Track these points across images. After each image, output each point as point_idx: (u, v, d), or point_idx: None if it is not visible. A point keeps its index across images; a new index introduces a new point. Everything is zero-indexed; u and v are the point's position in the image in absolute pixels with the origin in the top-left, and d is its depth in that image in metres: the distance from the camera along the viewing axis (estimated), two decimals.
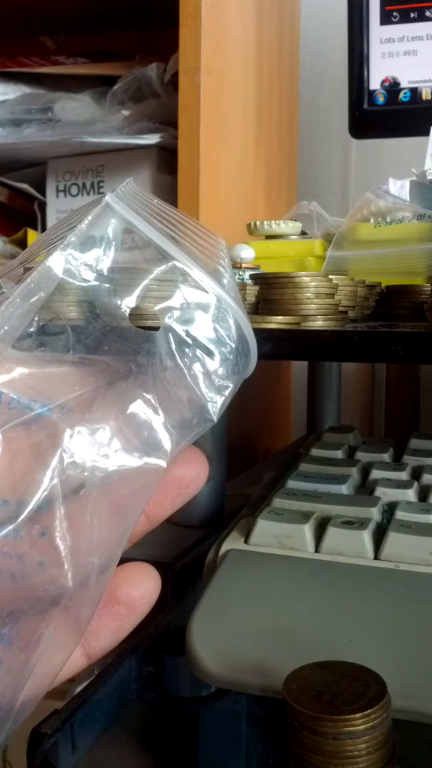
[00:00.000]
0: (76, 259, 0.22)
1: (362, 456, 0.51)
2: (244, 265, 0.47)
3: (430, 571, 0.38)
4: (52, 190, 0.77)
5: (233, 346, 0.24)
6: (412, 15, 0.67)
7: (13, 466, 0.20)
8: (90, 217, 0.23)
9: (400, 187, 0.58)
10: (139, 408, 0.22)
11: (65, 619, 0.21)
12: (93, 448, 0.21)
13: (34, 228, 0.78)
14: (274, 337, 0.35)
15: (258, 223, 0.55)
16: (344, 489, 0.45)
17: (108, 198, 0.23)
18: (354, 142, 0.85)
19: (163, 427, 0.23)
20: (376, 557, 0.39)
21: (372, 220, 0.52)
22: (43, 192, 0.77)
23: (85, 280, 0.23)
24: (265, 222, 0.55)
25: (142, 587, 0.24)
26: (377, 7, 0.68)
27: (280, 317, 0.37)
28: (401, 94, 0.68)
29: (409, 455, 0.50)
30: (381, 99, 0.69)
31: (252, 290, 0.40)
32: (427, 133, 0.59)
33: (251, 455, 0.81)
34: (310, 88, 0.90)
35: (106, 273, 0.23)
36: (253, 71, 0.72)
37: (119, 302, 0.23)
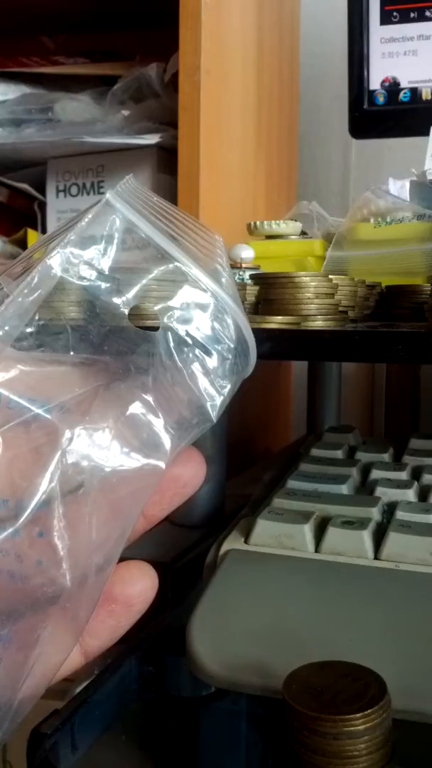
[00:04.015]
0: (76, 257, 0.22)
1: (362, 456, 0.51)
2: (244, 265, 0.46)
3: (430, 571, 0.38)
4: (52, 190, 0.77)
5: (232, 345, 0.23)
6: (412, 15, 0.67)
7: (12, 466, 0.20)
8: (90, 215, 0.23)
9: (400, 187, 0.58)
10: (138, 409, 0.22)
11: (63, 618, 0.21)
12: (92, 448, 0.21)
13: (34, 228, 0.78)
14: (274, 337, 0.35)
15: (258, 223, 0.55)
16: (344, 489, 0.45)
17: (108, 196, 0.23)
18: (354, 142, 0.85)
19: (163, 428, 0.23)
20: (376, 557, 0.39)
21: (372, 220, 0.52)
22: (43, 192, 0.77)
23: (85, 279, 0.23)
24: (265, 222, 0.55)
25: (139, 585, 0.24)
26: (377, 7, 0.68)
27: (280, 317, 0.37)
28: (401, 94, 0.68)
29: (409, 455, 0.50)
30: (381, 99, 0.69)
31: (252, 290, 0.40)
32: (427, 133, 0.59)
33: (251, 455, 0.81)
34: (310, 88, 0.90)
35: (106, 272, 0.23)
36: (253, 71, 0.72)
37: (119, 302, 0.23)
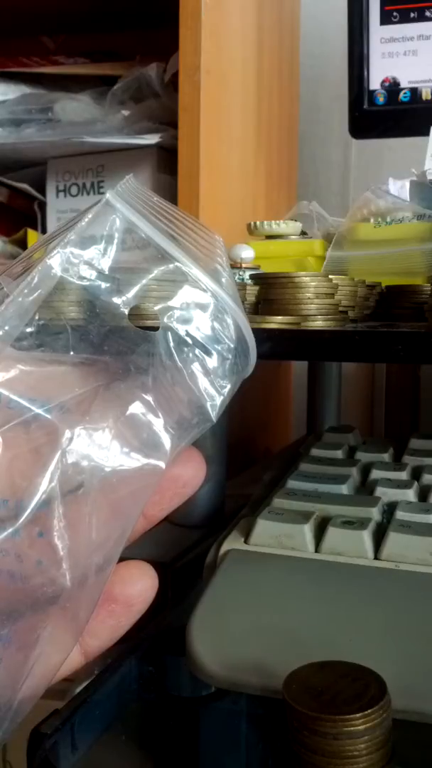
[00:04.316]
0: (76, 257, 0.22)
1: (362, 456, 0.51)
2: (244, 265, 0.46)
3: (430, 571, 0.38)
4: (52, 190, 0.77)
5: (232, 345, 0.23)
6: (412, 15, 0.67)
7: (12, 466, 0.20)
8: (90, 215, 0.23)
9: (400, 187, 0.58)
10: (138, 409, 0.22)
11: (63, 618, 0.21)
12: (92, 448, 0.21)
13: (34, 228, 0.78)
14: (274, 337, 0.35)
15: (258, 223, 0.55)
16: (344, 489, 0.45)
17: (108, 195, 0.23)
18: (354, 142, 0.85)
19: (163, 428, 0.23)
20: (376, 557, 0.39)
21: (372, 220, 0.52)
22: (43, 192, 0.77)
23: (85, 279, 0.23)
24: (265, 222, 0.55)
25: (139, 585, 0.24)
26: (377, 7, 0.68)
27: (280, 317, 0.37)
28: (401, 94, 0.68)
29: (409, 455, 0.50)
30: (381, 99, 0.69)
31: (252, 290, 0.40)
32: (427, 133, 0.59)
33: (251, 455, 0.81)
34: (310, 88, 0.90)
35: (106, 272, 0.23)
36: (253, 71, 0.72)
37: (119, 302, 0.23)
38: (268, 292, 0.38)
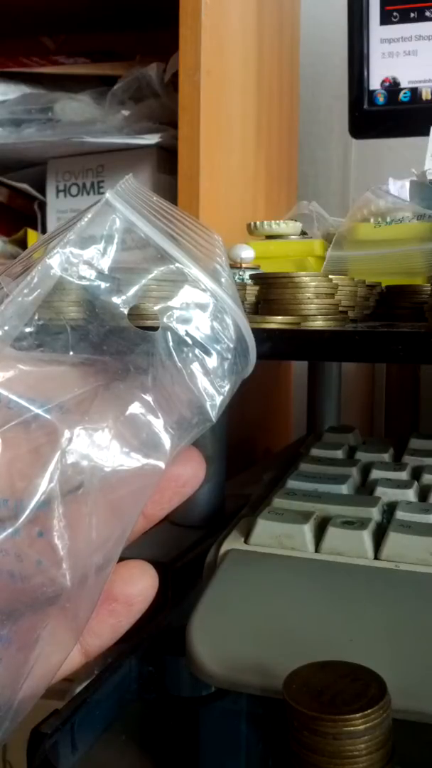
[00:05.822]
0: (75, 257, 0.22)
1: (362, 456, 0.51)
2: (244, 265, 0.47)
3: (430, 571, 0.38)
4: (52, 190, 0.77)
5: (231, 345, 0.23)
6: (412, 15, 0.67)
7: (12, 466, 0.20)
8: (90, 215, 0.23)
9: (400, 187, 0.58)
10: (137, 409, 0.22)
11: (63, 618, 0.21)
12: (91, 448, 0.21)
13: (34, 228, 0.78)
14: (274, 337, 0.35)
15: (258, 223, 0.55)
16: (344, 489, 0.45)
17: (108, 195, 0.23)
18: (354, 142, 0.85)
19: (162, 428, 0.23)
20: (376, 557, 0.39)
21: (372, 220, 0.52)
22: (43, 192, 0.77)
23: (85, 279, 0.23)
24: (265, 222, 0.55)
25: (140, 585, 0.24)
26: (377, 7, 0.68)
27: (280, 317, 0.37)
28: (401, 94, 0.68)
29: (409, 455, 0.50)
30: (381, 99, 0.69)
31: (252, 290, 0.40)
32: (427, 133, 0.59)
33: (251, 455, 0.81)
34: (310, 88, 0.90)
35: (106, 272, 0.23)
36: (253, 71, 0.72)
37: (118, 302, 0.23)
38: (268, 292, 0.38)
